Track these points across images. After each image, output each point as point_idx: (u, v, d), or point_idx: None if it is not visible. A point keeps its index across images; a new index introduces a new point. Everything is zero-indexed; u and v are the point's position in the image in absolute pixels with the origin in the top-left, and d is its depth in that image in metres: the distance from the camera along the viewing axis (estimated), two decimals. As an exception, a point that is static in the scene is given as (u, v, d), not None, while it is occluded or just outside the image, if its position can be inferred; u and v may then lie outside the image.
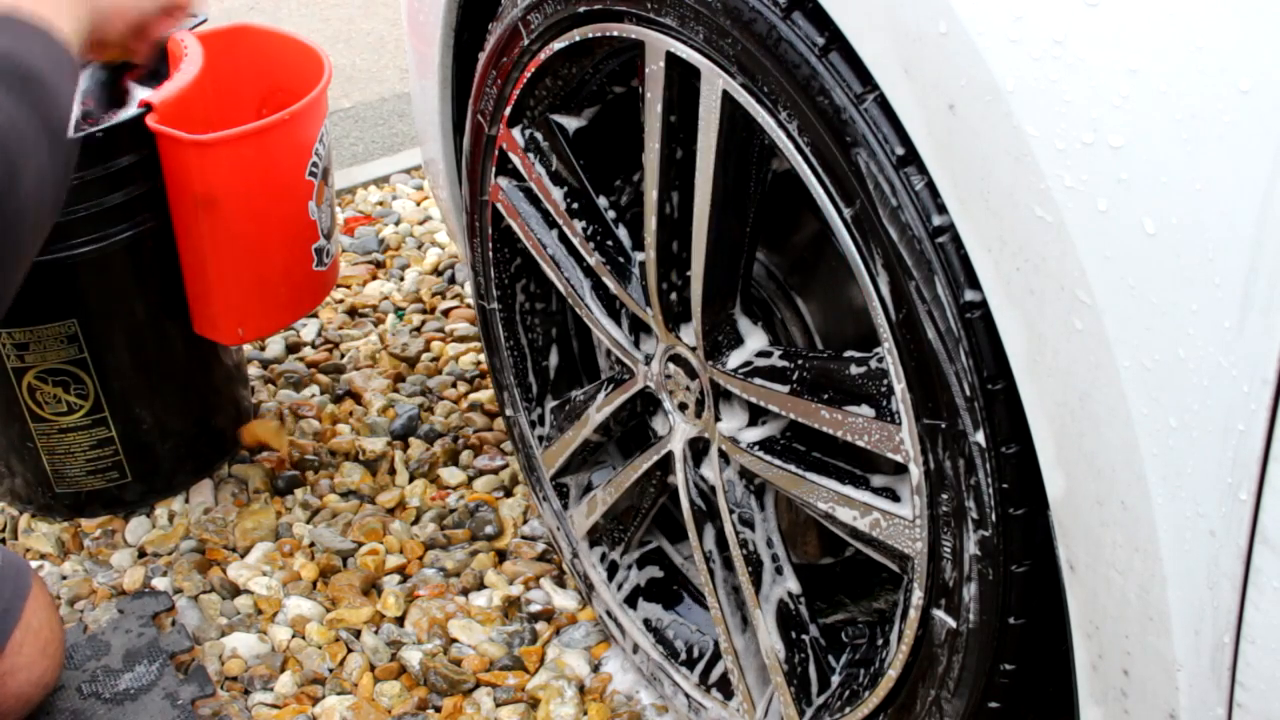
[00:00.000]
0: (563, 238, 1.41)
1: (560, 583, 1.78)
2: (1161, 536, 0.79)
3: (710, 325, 1.21)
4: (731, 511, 1.28)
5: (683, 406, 1.32)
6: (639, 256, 1.30)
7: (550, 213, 1.40)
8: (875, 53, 0.88)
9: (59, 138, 1.16)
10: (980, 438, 0.92)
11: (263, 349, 2.29)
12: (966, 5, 0.79)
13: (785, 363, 1.16)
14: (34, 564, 1.85)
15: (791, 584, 1.29)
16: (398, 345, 2.28)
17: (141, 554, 1.88)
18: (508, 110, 1.37)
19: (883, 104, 0.89)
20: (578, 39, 1.23)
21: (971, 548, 0.97)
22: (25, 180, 1.07)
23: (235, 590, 1.80)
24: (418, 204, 2.76)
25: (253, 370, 2.22)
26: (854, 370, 1.06)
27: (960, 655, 1.03)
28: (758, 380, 1.17)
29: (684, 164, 1.16)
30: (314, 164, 1.79)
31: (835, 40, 0.92)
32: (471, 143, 1.48)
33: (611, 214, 1.35)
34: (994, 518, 0.94)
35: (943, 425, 0.95)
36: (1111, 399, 0.79)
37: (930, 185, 0.88)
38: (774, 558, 1.29)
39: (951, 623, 1.03)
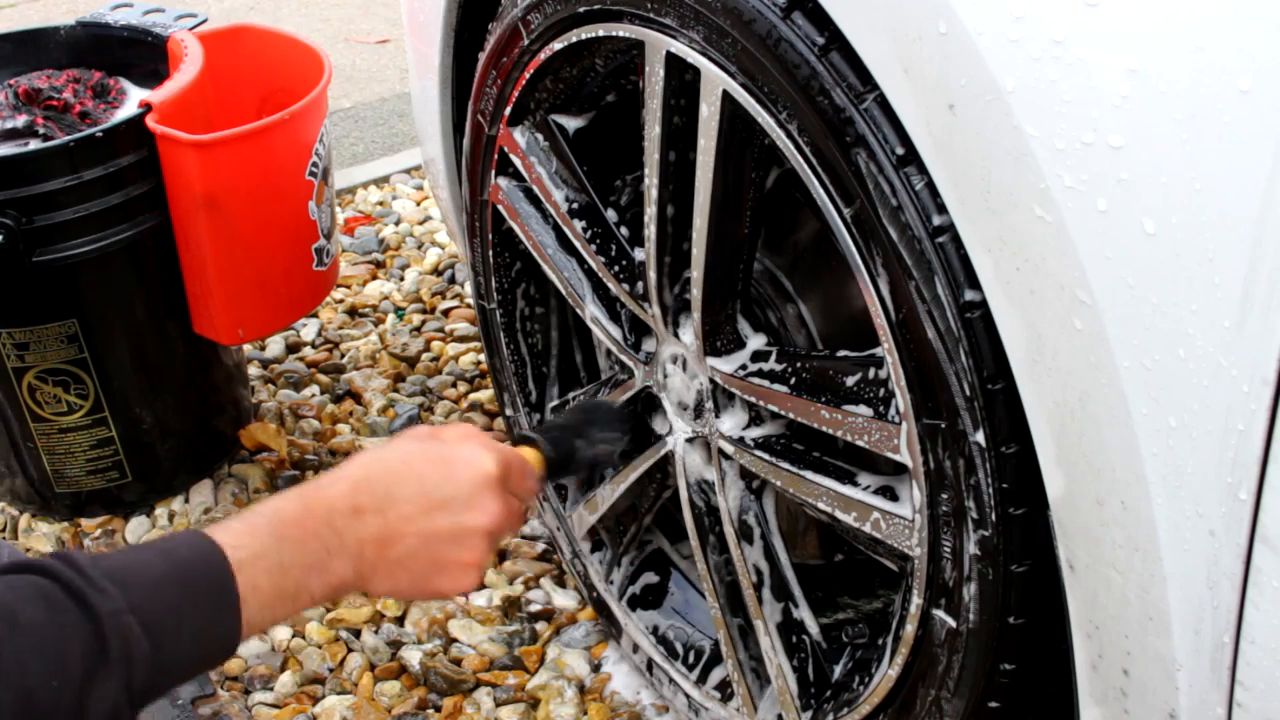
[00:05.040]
0: (563, 238, 1.41)
1: (560, 582, 1.78)
2: (1161, 536, 0.79)
3: (710, 325, 1.21)
4: (733, 515, 1.28)
5: (683, 406, 1.32)
6: (639, 257, 1.30)
7: (550, 213, 1.40)
8: (875, 53, 0.88)
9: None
10: (980, 438, 0.92)
11: (263, 349, 2.29)
12: (966, 5, 0.79)
13: (784, 363, 1.16)
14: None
15: (795, 592, 1.29)
16: (398, 345, 2.28)
17: (141, 554, 1.88)
18: (508, 110, 1.37)
19: (883, 104, 0.89)
20: (577, 39, 1.23)
21: (971, 547, 0.97)
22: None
23: (235, 590, 1.80)
24: (418, 204, 2.76)
25: (253, 370, 2.22)
26: (853, 370, 1.06)
27: (960, 655, 1.03)
28: (757, 380, 1.17)
29: (684, 164, 1.16)
30: (314, 164, 1.79)
31: (835, 40, 0.92)
32: (471, 143, 1.48)
33: (612, 214, 1.35)
34: (994, 518, 0.94)
35: (943, 425, 0.95)
36: (1111, 399, 0.78)
37: (930, 185, 0.88)
38: (773, 568, 1.29)
39: (951, 623, 1.03)
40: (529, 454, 1.17)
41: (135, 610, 0.81)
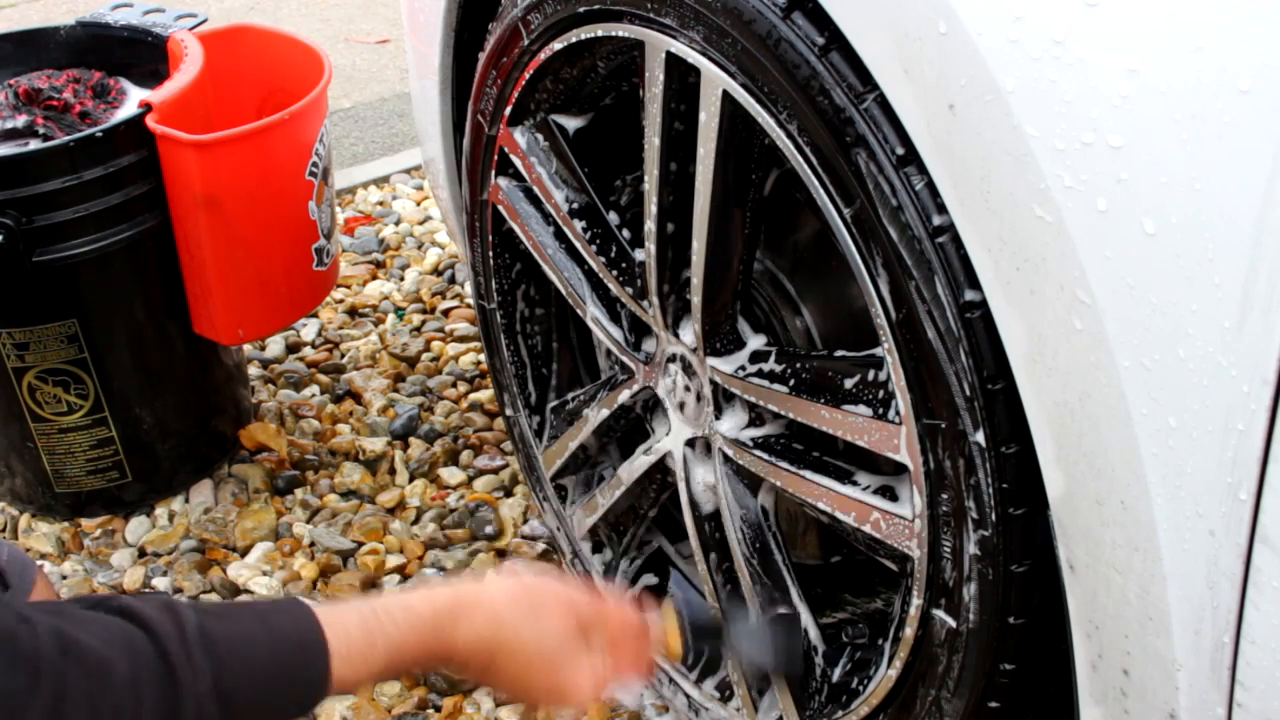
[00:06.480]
0: (563, 238, 1.41)
1: (560, 583, 1.78)
2: (1161, 536, 0.79)
3: (710, 325, 1.21)
4: (733, 516, 1.28)
5: (682, 407, 1.32)
6: (640, 257, 1.30)
7: (551, 214, 1.40)
8: (875, 53, 0.88)
9: None
10: (980, 438, 0.92)
11: (263, 349, 2.28)
12: (966, 5, 0.79)
13: (783, 363, 1.16)
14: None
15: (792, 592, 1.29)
16: (398, 345, 2.28)
17: (141, 554, 1.88)
18: (508, 110, 1.37)
19: (883, 104, 0.89)
20: (577, 39, 1.23)
21: (971, 547, 0.97)
22: None
23: (235, 590, 1.80)
24: (418, 204, 2.76)
25: (253, 370, 2.22)
26: (853, 370, 1.06)
27: (960, 655, 1.03)
28: (757, 381, 1.17)
29: (684, 164, 1.16)
30: (314, 164, 1.79)
31: (835, 40, 0.92)
32: (471, 143, 1.48)
33: (612, 215, 1.35)
34: (994, 518, 0.94)
35: (943, 425, 0.95)
36: (1111, 399, 0.79)
37: (930, 185, 0.88)
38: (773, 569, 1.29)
39: (951, 623, 1.03)
40: (670, 626, 1.14)
41: (220, 696, 0.84)
